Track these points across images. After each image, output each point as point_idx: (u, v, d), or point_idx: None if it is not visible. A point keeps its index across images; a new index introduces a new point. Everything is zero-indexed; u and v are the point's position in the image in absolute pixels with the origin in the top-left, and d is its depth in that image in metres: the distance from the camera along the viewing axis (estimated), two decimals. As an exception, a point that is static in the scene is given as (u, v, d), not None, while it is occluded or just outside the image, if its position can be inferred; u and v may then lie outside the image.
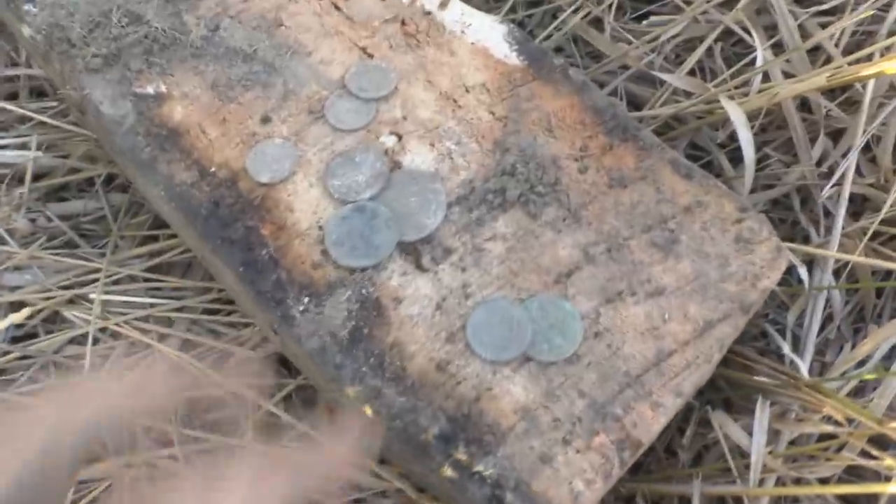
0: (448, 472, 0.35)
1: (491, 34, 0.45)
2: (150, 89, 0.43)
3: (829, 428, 0.37)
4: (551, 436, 0.35)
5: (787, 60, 0.48)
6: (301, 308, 0.37)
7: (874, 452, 0.37)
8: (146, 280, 0.49)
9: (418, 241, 0.38)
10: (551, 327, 0.36)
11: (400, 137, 0.42)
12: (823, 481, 0.39)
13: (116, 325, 0.47)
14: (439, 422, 0.35)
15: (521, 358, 0.36)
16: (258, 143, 0.41)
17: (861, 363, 0.41)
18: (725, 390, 0.45)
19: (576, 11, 0.55)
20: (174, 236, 0.50)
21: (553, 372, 0.36)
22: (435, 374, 0.36)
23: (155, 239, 0.50)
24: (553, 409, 0.35)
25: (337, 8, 0.46)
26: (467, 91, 0.43)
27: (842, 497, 0.42)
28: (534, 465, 0.34)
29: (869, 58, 0.44)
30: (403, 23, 0.45)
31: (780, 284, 0.45)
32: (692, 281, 0.38)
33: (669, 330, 0.37)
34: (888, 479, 0.36)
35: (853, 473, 0.41)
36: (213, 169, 0.40)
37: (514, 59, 0.44)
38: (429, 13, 0.46)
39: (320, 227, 0.38)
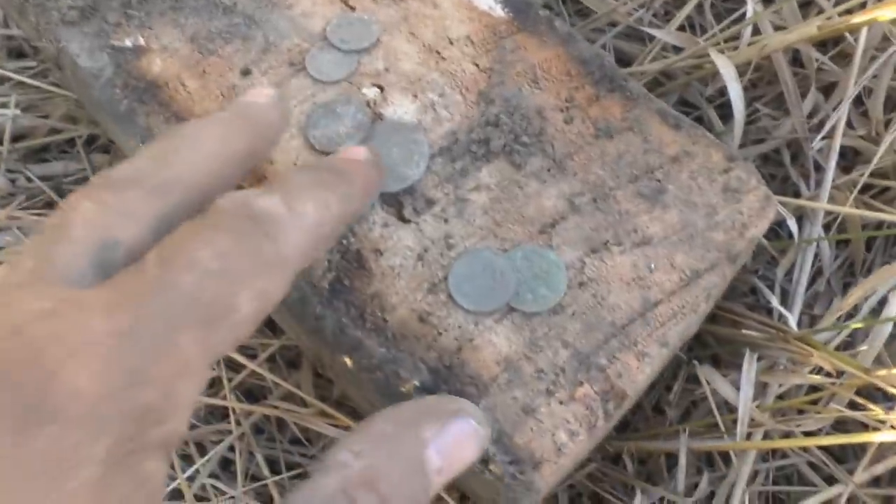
0: (430, 423, 0.34)
1: (475, -14, 0.44)
2: (128, 42, 0.42)
3: (818, 379, 0.37)
4: (534, 387, 0.34)
5: (777, 12, 0.47)
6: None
7: (862, 403, 0.37)
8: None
9: (400, 191, 0.37)
10: (535, 277, 0.36)
11: (382, 89, 0.41)
12: (811, 434, 0.39)
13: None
14: (421, 373, 0.34)
15: (505, 308, 0.35)
16: (238, 95, 0.40)
17: (851, 316, 0.40)
18: (714, 346, 0.44)
19: (564, -32, 0.55)
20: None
21: (537, 322, 0.35)
22: (416, 326, 0.35)
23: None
24: (536, 360, 0.35)
25: (318, -40, 0.45)
26: (451, 43, 0.42)
27: (830, 451, 0.41)
28: (517, 417, 0.34)
29: (862, 6, 0.44)
30: (386, -26, 0.44)
31: (770, 239, 0.45)
32: (679, 230, 0.37)
33: (655, 280, 0.36)
34: (875, 429, 0.36)
35: (842, 426, 0.40)
36: (191, 121, 0.39)
37: (498, 11, 0.43)
38: (412, -35, 0.45)
39: None
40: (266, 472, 0.45)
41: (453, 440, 0.27)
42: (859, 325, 0.38)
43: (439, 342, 0.35)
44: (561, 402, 0.34)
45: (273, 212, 0.24)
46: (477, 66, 0.42)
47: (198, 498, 0.44)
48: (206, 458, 0.45)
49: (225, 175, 0.27)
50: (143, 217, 0.24)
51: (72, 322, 0.20)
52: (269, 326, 0.49)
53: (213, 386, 0.48)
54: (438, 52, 0.42)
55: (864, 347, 0.37)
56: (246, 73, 0.41)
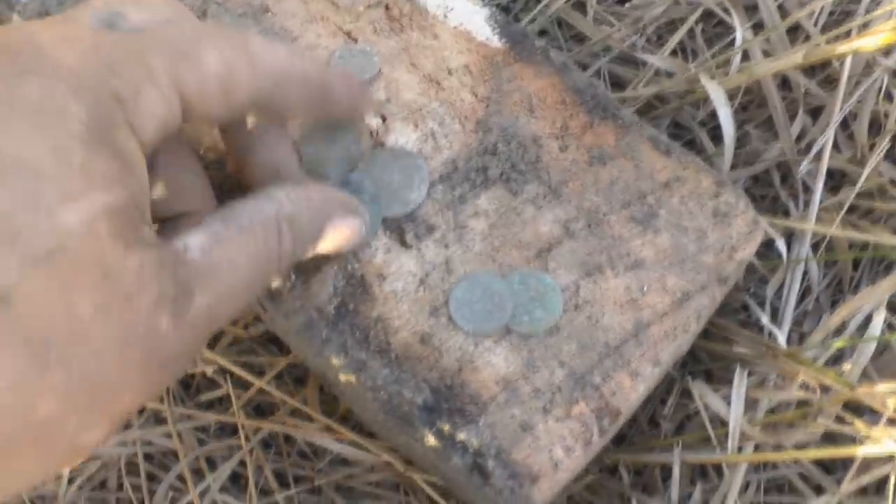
0: (431, 441, 0.36)
1: (473, 18, 0.46)
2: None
3: (805, 395, 0.38)
4: (532, 405, 0.36)
5: (767, 39, 0.49)
6: (288, 285, 0.38)
7: (848, 418, 0.38)
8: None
9: (403, 217, 0.39)
10: (532, 300, 0.37)
11: (384, 119, 0.42)
12: (800, 448, 0.40)
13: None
14: (423, 393, 0.36)
15: (503, 330, 0.37)
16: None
17: (839, 333, 0.42)
18: (706, 362, 0.46)
19: (560, -5, 0.56)
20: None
21: (534, 343, 0.37)
22: (419, 347, 0.37)
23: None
24: (533, 380, 0.36)
25: (322, -7, 0.47)
26: (450, 73, 0.44)
27: (819, 462, 0.43)
28: (515, 434, 0.35)
29: (847, 35, 0.45)
30: (387, 7, 0.46)
31: (761, 259, 0.47)
32: (670, 254, 0.39)
33: (648, 301, 0.38)
34: (861, 442, 0.37)
35: (830, 439, 0.42)
36: (201, 152, 0.41)
37: (495, 42, 0.45)
38: (412, -3, 0.47)
39: None
40: (275, 485, 0.47)
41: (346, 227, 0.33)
42: (843, 344, 0.40)
43: (441, 363, 0.36)
44: (557, 420, 0.36)
45: None
46: (475, 95, 0.43)
47: (209, 512, 0.46)
48: (217, 473, 0.46)
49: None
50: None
51: (66, 28, 0.25)
52: (277, 346, 0.50)
53: (223, 403, 0.50)
54: (438, 83, 0.44)
55: (848, 365, 0.39)
56: (254, 103, 0.43)
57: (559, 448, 0.35)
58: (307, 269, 0.38)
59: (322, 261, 0.38)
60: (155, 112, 0.26)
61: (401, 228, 0.39)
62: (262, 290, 0.35)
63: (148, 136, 0.26)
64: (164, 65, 0.26)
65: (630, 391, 0.36)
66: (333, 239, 0.32)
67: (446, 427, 0.36)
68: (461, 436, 0.35)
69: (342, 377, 0.37)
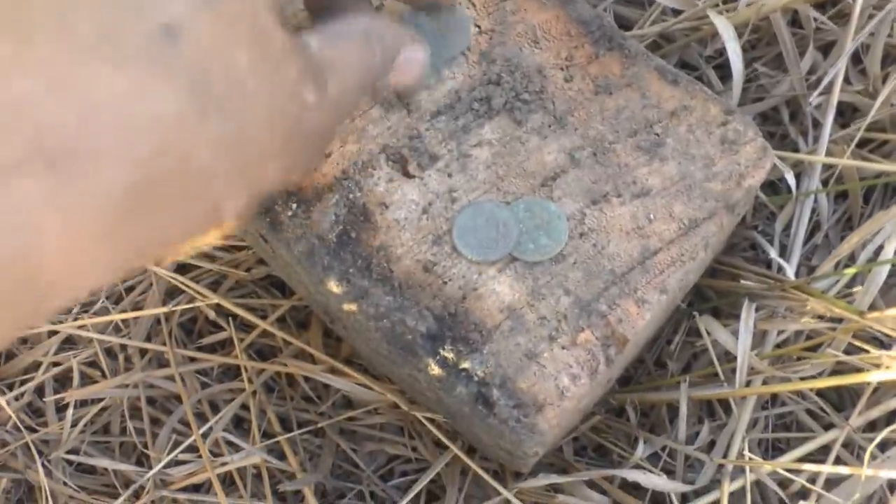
0: (435, 370, 0.35)
1: (476, -51, 0.45)
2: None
3: (815, 325, 0.38)
4: (537, 333, 0.35)
5: (776, -27, 0.48)
6: (290, 213, 0.37)
7: (860, 347, 0.37)
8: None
9: (404, 147, 0.38)
10: (537, 228, 0.37)
11: (386, 51, 0.42)
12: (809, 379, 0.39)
13: (112, 250, 0.48)
14: (426, 321, 0.35)
15: (507, 258, 0.36)
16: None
17: (849, 266, 0.41)
18: (713, 300, 0.45)
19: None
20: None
21: (539, 271, 0.36)
22: (421, 276, 0.36)
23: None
24: (538, 308, 0.36)
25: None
26: (453, 5, 0.43)
27: (828, 398, 0.42)
28: (520, 362, 0.35)
29: (858, -35, 0.44)
30: (388, -60, 0.45)
31: (769, 195, 0.46)
32: (677, 182, 0.38)
33: (654, 229, 0.37)
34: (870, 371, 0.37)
35: (840, 373, 0.41)
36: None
37: (499, -26, 0.44)
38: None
39: None
40: (278, 427, 0.47)
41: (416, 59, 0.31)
42: (856, 271, 0.39)
43: (444, 291, 0.36)
44: (563, 348, 0.35)
45: None
46: (478, 27, 0.42)
47: (213, 454, 0.46)
48: (220, 415, 0.46)
49: None
50: None
51: None
52: (279, 288, 0.50)
53: (225, 347, 0.50)
54: (440, 14, 0.43)
55: (858, 293, 0.38)
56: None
57: (565, 376, 0.35)
58: (308, 197, 0.37)
59: (323, 188, 0.37)
60: None
61: (403, 158, 0.38)
62: (366, 98, 0.36)
63: None
64: None
65: (637, 319, 0.36)
66: (408, 69, 0.31)
67: (450, 355, 0.35)
68: (465, 364, 0.35)
69: (344, 307, 0.37)
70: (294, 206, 0.37)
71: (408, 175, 0.38)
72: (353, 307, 0.36)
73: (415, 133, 0.39)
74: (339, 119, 0.27)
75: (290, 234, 0.37)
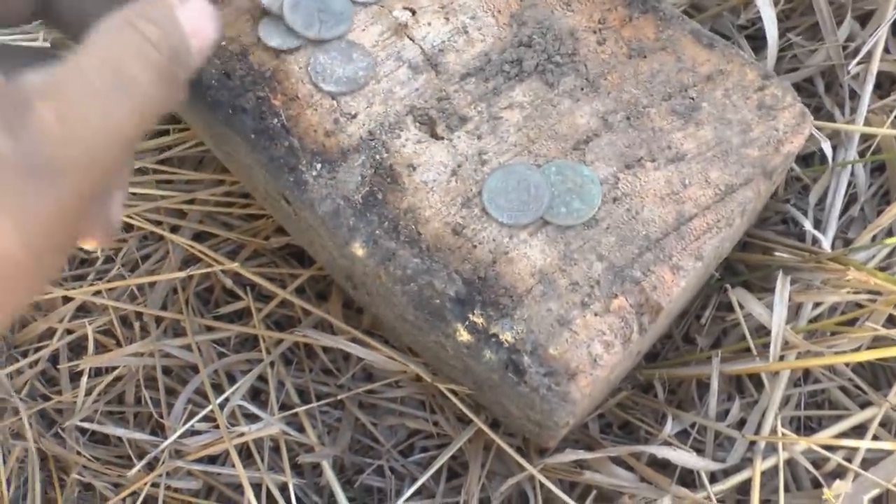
0: (464, 335, 0.34)
1: (506, -90, 0.44)
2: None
3: (854, 297, 0.37)
4: (569, 299, 0.34)
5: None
6: (314, 174, 0.36)
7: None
8: (156, 172, 0.48)
9: (432, 108, 0.37)
10: (569, 191, 0.35)
11: (413, 12, 0.40)
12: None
13: (127, 216, 0.47)
14: (455, 284, 0.34)
15: (539, 222, 0.35)
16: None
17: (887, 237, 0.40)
18: (745, 274, 0.44)
19: None
20: (185, 130, 0.49)
21: (571, 235, 0.35)
22: (450, 238, 0.35)
23: (166, 133, 0.50)
24: (571, 273, 0.35)
25: None
26: (482, -33, 0.42)
27: (863, 376, 0.41)
28: (551, 329, 0.34)
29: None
30: None
31: (804, 167, 0.44)
32: (713, 147, 0.37)
33: (690, 195, 0.36)
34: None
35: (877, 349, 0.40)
36: (223, 42, 0.39)
37: (529, -64, 0.43)
38: None
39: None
40: (296, 399, 0.46)
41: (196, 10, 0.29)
42: (893, 241, 0.38)
43: (474, 254, 0.35)
44: (596, 314, 0.34)
45: None
46: (508, -12, 0.41)
47: (230, 425, 0.45)
48: (237, 385, 0.45)
49: None
50: None
51: None
52: (298, 258, 0.49)
53: (242, 317, 0.49)
54: (469, -24, 0.42)
55: (901, 263, 0.37)
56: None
57: (598, 343, 0.34)
58: (333, 157, 0.36)
59: (349, 149, 0.36)
60: None
61: (431, 119, 0.37)
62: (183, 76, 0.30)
63: None
64: None
65: (672, 286, 0.35)
66: (199, 25, 0.28)
67: (480, 320, 0.34)
68: (495, 329, 0.34)
69: (370, 270, 0.35)
70: (318, 165, 0.36)
71: (436, 137, 0.37)
72: (379, 271, 0.35)
73: (443, 95, 0.38)
74: (114, 136, 0.24)
75: (314, 194, 0.36)
